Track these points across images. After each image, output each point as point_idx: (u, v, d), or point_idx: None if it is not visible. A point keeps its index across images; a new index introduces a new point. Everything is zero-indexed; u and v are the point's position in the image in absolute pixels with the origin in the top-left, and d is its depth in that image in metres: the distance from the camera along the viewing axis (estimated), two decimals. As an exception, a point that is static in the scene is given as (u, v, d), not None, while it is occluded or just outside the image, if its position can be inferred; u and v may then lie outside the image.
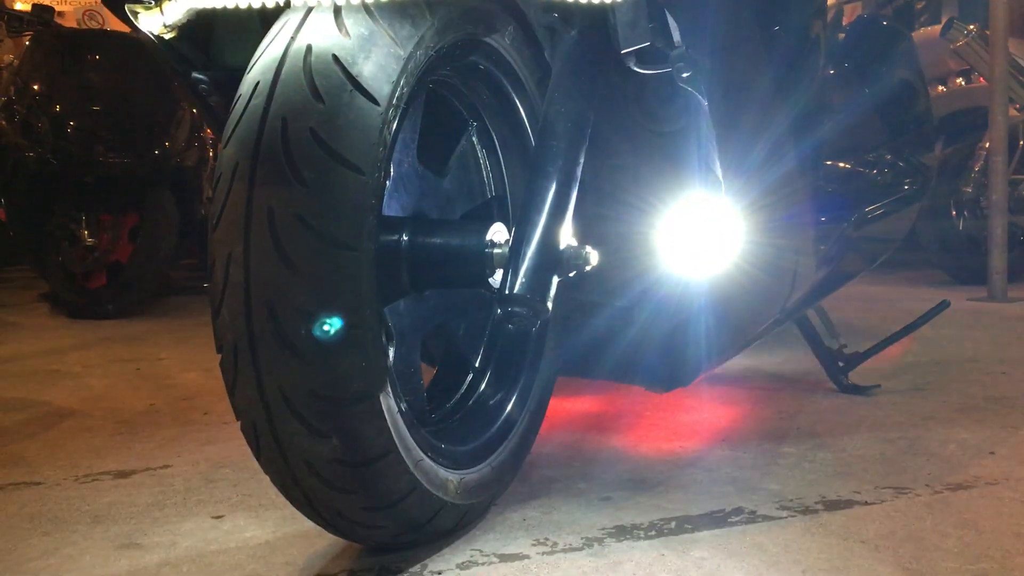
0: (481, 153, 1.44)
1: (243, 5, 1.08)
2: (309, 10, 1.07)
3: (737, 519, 1.35)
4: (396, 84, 1.07)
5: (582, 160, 1.26)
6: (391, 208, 1.26)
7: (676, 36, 1.17)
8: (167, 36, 1.26)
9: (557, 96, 1.27)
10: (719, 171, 1.35)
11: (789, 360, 2.51)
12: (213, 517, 1.40)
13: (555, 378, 1.52)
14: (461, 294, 1.42)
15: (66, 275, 3.96)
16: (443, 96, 1.37)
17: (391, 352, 1.25)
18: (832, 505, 1.40)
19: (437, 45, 1.15)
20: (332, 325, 1.00)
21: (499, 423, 1.38)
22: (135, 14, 1.21)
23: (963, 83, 4.50)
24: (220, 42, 1.32)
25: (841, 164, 2.36)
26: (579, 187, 1.44)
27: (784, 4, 1.33)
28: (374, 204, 1.04)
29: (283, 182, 1.00)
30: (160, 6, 1.15)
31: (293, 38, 1.05)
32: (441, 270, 1.28)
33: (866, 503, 1.41)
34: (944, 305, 2.16)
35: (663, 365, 1.57)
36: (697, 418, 1.95)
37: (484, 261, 1.26)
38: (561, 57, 1.29)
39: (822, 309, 2.19)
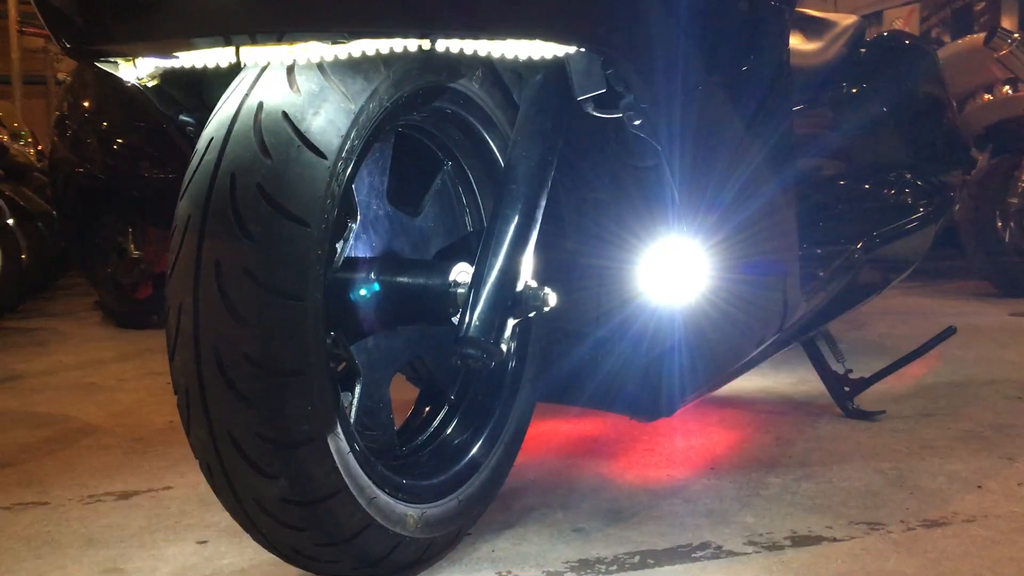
0: (456, 191, 1.47)
1: (199, 65, 1.13)
2: (264, 68, 1.12)
3: (701, 554, 1.37)
4: (346, 137, 1.11)
5: (542, 203, 1.28)
6: (359, 249, 1.30)
7: (628, 83, 1.19)
8: (151, 84, 1.31)
9: (520, 139, 1.30)
10: (686, 209, 1.37)
11: (804, 380, 2.50)
12: (198, 542, 1.46)
13: (532, 408, 1.55)
14: (435, 329, 1.45)
15: (114, 286, 4.10)
16: (415, 138, 1.41)
17: (357, 388, 1.30)
18: (800, 541, 1.41)
19: (395, 96, 1.19)
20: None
21: (468, 457, 1.41)
22: (114, 64, 1.26)
23: (1009, 91, 4.39)
24: (211, 83, 1.37)
25: (852, 185, 2.35)
26: (560, 220, 1.48)
27: (738, 46, 1.34)
28: (320, 255, 1.08)
29: (230, 236, 1.04)
30: (133, 61, 1.21)
31: (247, 95, 1.10)
32: (406, 309, 1.32)
33: (835, 540, 1.41)
34: (950, 332, 2.13)
35: (644, 394, 1.59)
36: (693, 443, 1.96)
37: (447, 301, 1.29)
38: (526, 100, 1.32)
39: (827, 332, 2.18)
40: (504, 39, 1.09)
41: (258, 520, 1.13)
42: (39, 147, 5.48)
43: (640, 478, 1.73)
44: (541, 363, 1.56)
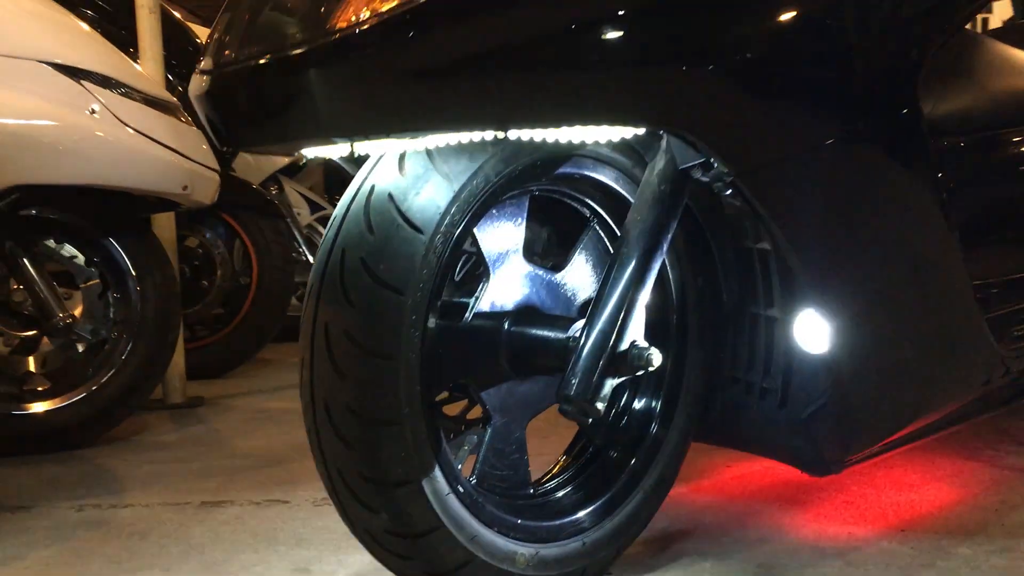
0: (602, 247, 1.54)
1: (334, 156, 1.32)
2: (381, 156, 1.28)
3: (823, 624, 1.33)
4: (445, 213, 1.25)
5: (655, 267, 1.33)
6: (493, 303, 1.42)
7: (711, 155, 1.20)
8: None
9: (638, 203, 1.35)
10: (814, 285, 1.33)
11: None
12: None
13: (682, 456, 1.58)
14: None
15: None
16: (556, 200, 1.50)
17: (488, 431, 1.42)
18: (940, 624, 1.32)
19: (504, 171, 1.30)
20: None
21: (599, 502, 1.48)
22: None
23: None
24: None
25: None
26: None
27: (855, 101, 1.27)
28: (416, 319, 1.23)
29: (337, 303, 1.22)
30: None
31: (364, 179, 1.27)
32: (533, 360, 1.42)
33: (979, 628, 1.30)
34: None
35: (806, 448, 1.56)
36: (902, 499, 1.84)
37: (565, 354, 1.38)
38: (648, 167, 1.37)
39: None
40: (571, 126, 1.16)
41: (372, 548, 1.30)
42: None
43: (815, 533, 1.69)
44: (695, 409, 1.58)
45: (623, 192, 1.47)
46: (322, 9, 1.09)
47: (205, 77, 1.15)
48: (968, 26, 2.03)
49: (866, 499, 1.84)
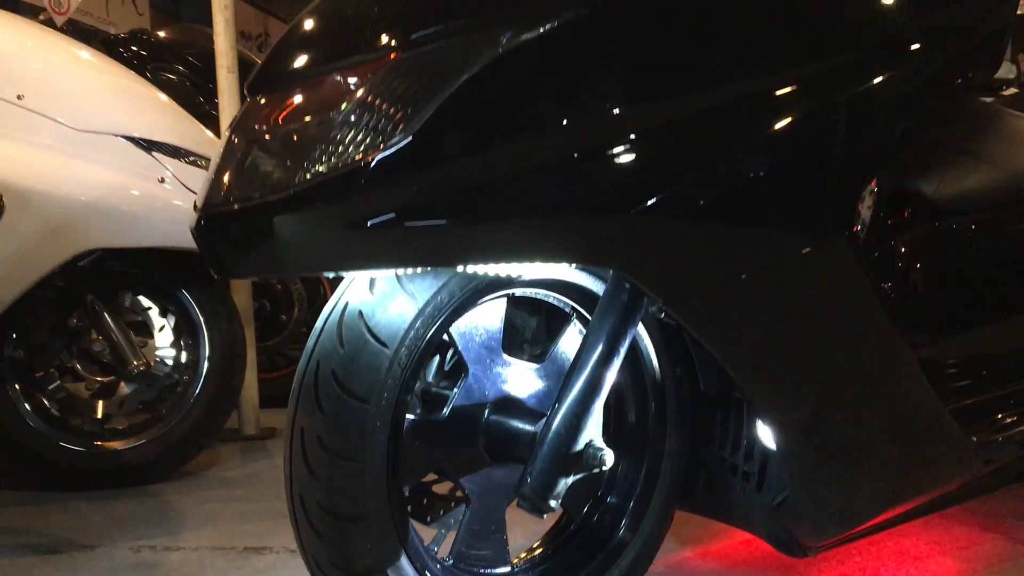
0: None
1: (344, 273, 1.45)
2: (354, 277, 1.42)
3: None
4: (410, 327, 1.38)
5: (607, 382, 1.41)
6: (472, 396, 1.54)
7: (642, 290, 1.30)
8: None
9: (598, 311, 1.45)
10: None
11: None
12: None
13: (661, 535, 1.67)
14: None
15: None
16: (531, 300, 1.61)
17: (466, 514, 1.55)
18: None
19: (469, 285, 1.42)
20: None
21: (571, 579, 1.59)
22: None
23: None
24: None
25: None
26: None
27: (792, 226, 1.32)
28: (380, 425, 1.36)
29: (310, 410, 1.37)
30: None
31: (339, 297, 1.41)
32: (508, 449, 1.53)
33: None
34: None
35: (780, 531, 1.62)
36: (901, 573, 1.88)
37: (535, 448, 1.49)
38: (611, 277, 1.46)
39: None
40: (509, 263, 1.27)
41: (348, 622, 1.44)
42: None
43: (798, 610, 1.75)
44: (673, 492, 1.67)
45: (598, 292, 1.57)
46: (288, 163, 1.23)
47: (197, 215, 1.31)
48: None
49: (866, 571, 1.88)
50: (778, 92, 1.27)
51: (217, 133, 3.21)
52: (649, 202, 1.21)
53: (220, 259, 1.30)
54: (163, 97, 2.76)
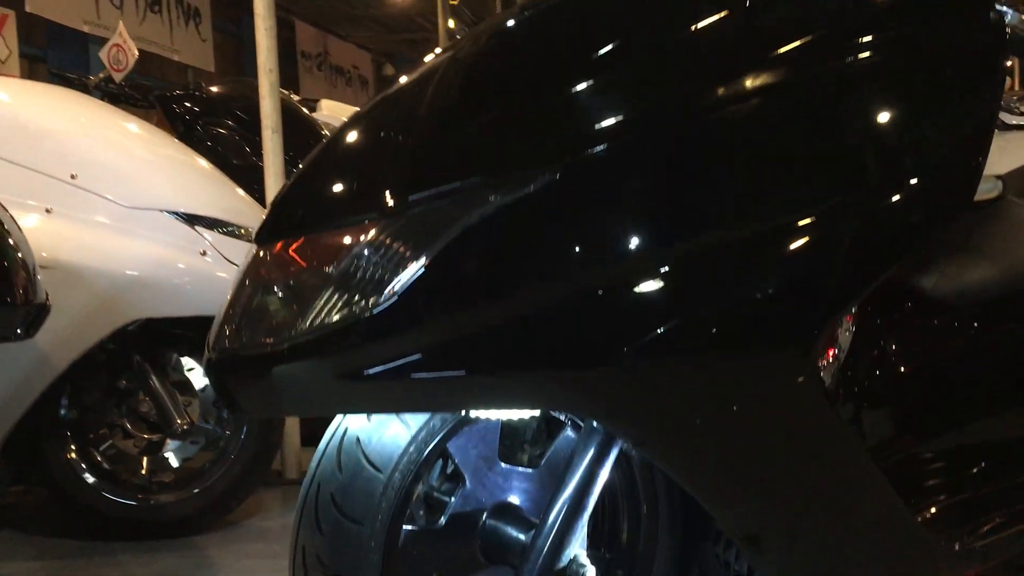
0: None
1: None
2: (355, 401, 1.53)
3: None
4: (404, 452, 1.48)
5: (592, 497, 1.50)
6: (469, 503, 1.64)
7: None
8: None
9: (582, 433, 1.53)
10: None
11: None
12: None
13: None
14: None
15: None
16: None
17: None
18: None
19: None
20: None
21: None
22: None
23: None
24: None
25: None
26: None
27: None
28: (375, 546, 1.47)
29: (311, 529, 1.48)
30: None
31: (340, 423, 1.52)
32: (504, 554, 1.63)
33: None
34: None
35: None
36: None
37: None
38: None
39: None
40: (478, 409, 1.36)
41: None
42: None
43: None
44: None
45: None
46: (288, 313, 1.34)
47: (207, 355, 1.43)
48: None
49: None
50: (741, 245, 1.34)
51: (262, 184, 3.35)
52: (614, 355, 1.29)
53: (228, 397, 1.42)
54: (204, 164, 2.91)
